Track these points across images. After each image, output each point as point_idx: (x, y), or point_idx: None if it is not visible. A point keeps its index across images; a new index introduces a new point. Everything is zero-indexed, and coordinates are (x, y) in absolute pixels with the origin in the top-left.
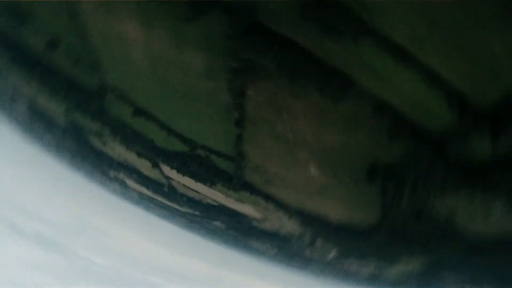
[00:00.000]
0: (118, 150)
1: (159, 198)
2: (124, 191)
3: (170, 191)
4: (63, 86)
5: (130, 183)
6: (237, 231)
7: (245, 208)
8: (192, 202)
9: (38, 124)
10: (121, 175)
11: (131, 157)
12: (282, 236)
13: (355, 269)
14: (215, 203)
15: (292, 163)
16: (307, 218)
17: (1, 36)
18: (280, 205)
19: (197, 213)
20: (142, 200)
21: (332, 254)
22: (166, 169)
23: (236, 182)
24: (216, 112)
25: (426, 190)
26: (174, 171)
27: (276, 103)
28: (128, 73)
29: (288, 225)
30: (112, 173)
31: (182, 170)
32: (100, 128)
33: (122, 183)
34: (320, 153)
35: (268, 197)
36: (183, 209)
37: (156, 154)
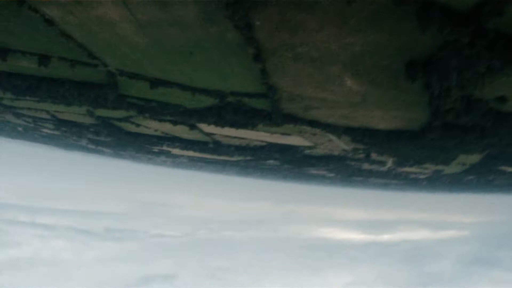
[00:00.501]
0: (152, 126)
1: (208, 156)
2: (173, 160)
3: (216, 146)
4: (73, 91)
5: (176, 151)
6: (292, 164)
7: (294, 140)
8: (240, 149)
9: (69, 134)
10: (165, 147)
11: (168, 128)
12: (337, 157)
13: (414, 175)
14: (263, 143)
15: (325, 81)
16: (356, 134)
17: None
18: (327, 127)
19: (248, 158)
20: (192, 163)
21: (389, 164)
22: (205, 127)
23: (276, 117)
24: (231, 54)
25: (473, 76)
26: (212, 126)
27: (289, 24)
28: (128, 53)
29: (340, 145)
30: (156, 148)
31: (220, 122)
32: (125, 113)
33: (168, 154)
34: (351, 62)
35: (312, 123)
36: (235, 158)
37: (189, 117)
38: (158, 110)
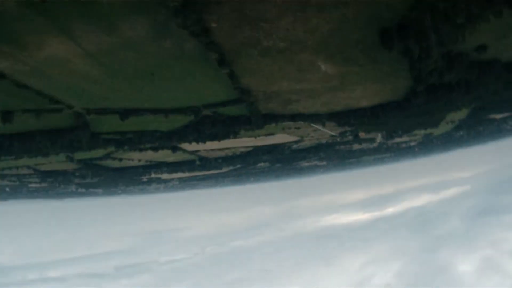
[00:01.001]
0: (135, 157)
1: (198, 173)
2: (165, 185)
3: (203, 162)
4: (46, 141)
5: (165, 176)
6: (282, 161)
7: (279, 138)
8: (228, 160)
9: (56, 183)
10: (153, 174)
11: (151, 155)
12: (326, 145)
13: (405, 145)
14: (250, 149)
15: (299, 72)
16: (340, 117)
17: None
18: (309, 117)
19: (238, 166)
20: (185, 183)
21: (379, 139)
22: (187, 146)
23: (256, 120)
24: (194, 65)
25: (452, 29)
26: (194, 144)
27: (248, 18)
28: (89, 88)
29: (326, 133)
30: (144, 177)
31: (201, 138)
32: (104, 151)
33: (159, 180)
34: (321, 44)
35: (294, 117)
36: (224, 170)
37: (168, 139)
38: (136, 140)
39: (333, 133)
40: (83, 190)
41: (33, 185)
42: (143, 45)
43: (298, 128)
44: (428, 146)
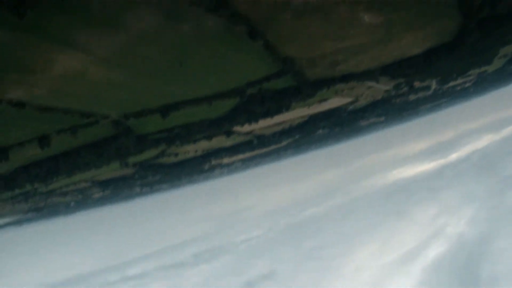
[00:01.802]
0: (190, 149)
1: (257, 152)
2: (228, 168)
3: (260, 141)
4: (91, 155)
5: (225, 160)
6: (341, 124)
7: (333, 102)
8: (285, 133)
9: (119, 189)
10: (213, 161)
11: (205, 144)
12: (382, 101)
13: (460, 87)
14: (305, 118)
15: (341, 28)
16: (394, 70)
17: None
18: (361, 76)
19: (297, 137)
20: (247, 162)
21: (434, 85)
22: (240, 129)
23: (306, 89)
24: (222, 43)
25: None
26: (247, 125)
27: None
28: (116, 94)
29: (381, 88)
30: (205, 166)
31: (252, 118)
32: (156, 150)
33: (221, 165)
34: None
35: (345, 78)
36: (284, 143)
37: (219, 126)
38: (185, 134)
39: (387, 87)
40: (148, 189)
41: (96, 195)
42: (159, 35)
43: (352, 88)
44: (483, 84)
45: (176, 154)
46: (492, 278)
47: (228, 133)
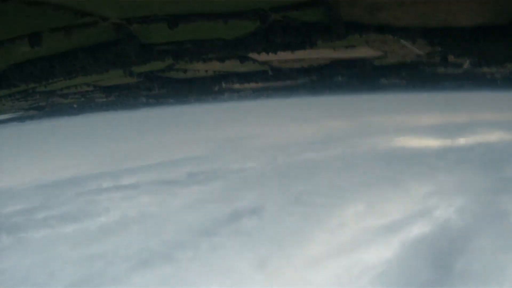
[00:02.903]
0: (200, 67)
1: (271, 84)
2: (238, 94)
3: (276, 73)
4: (88, 59)
5: (237, 86)
6: (361, 77)
7: (361, 52)
8: (303, 72)
9: (123, 97)
10: (223, 85)
11: (217, 65)
12: (410, 64)
13: (490, 75)
14: (327, 61)
15: None
16: (434, 36)
17: None
18: (399, 31)
19: (314, 78)
20: (258, 93)
21: (466, 65)
22: (256, 57)
23: (337, 28)
24: None
25: None
26: (264, 54)
27: None
28: None
29: (413, 51)
30: (215, 87)
31: (271, 48)
32: (162, 64)
33: (231, 89)
34: None
35: (381, 29)
36: (300, 81)
37: (233, 49)
38: (195, 51)
39: (420, 52)
40: (154, 100)
41: (100, 99)
42: None
43: (384, 42)
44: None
45: (185, 71)
46: (464, 273)
47: (243, 59)
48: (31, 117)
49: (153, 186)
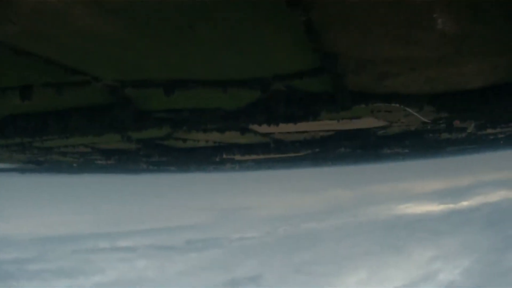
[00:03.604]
0: (201, 138)
1: (273, 155)
2: (240, 165)
3: (278, 145)
4: (82, 120)
5: (238, 157)
6: (364, 148)
7: (365, 122)
8: (305, 144)
9: (123, 162)
10: (224, 155)
11: (217, 136)
12: (414, 132)
13: (493, 136)
14: (331, 133)
15: (408, 27)
16: (443, 101)
17: None
18: (407, 99)
19: (317, 150)
20: (260, 164)
21: (470, 129)
22: (257, 128)
23: (343, 98)
24: (252, 13)
25: None
26: (265, 126)
27: None
28: (115, 54)
29: (419, 118)
30: (216, 158)
31: (272, 119)
32: (159, 131)
33: (232, 160)
34: None
35: (389, 97)
36: (302, 153)
37: (234, 120)
38: (194, 120)
39: (426, 120)
40: (155, 168)
41: (99, 161)
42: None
43: (389, 111)
44: None
45: (185, 140)
46: None
47: (243, 130)
48: (31, 170)
49: (151, 250)
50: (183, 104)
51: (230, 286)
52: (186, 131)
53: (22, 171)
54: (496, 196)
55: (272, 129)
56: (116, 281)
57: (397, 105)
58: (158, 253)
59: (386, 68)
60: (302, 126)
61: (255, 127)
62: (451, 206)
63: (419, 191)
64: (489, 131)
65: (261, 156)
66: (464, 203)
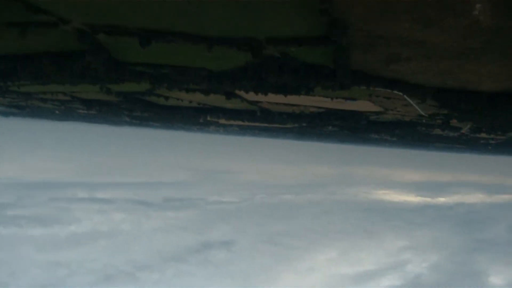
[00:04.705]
0: (184, 97)
1: (259, 124)
2: (225, 128)
3: (265, 115)
4: (52, 66)
5: (223, 121)
6: (353, 130)
7: (360, 105)
8: (293, 117)
9: (104, 113)
10: (209, 118)
11: (201, 98)
12: (407, 123)
13: (484, 141)
14: (321, 110)
15: (437, 7)
16: (449, 98)
17: None
18: (412, 89)
19: (304, 124)
20: (245, 131)
21: (465, 130)
22: (244, 95)
23: (343, 76)
24: None
25: None
26: (252, 94)
27: None
28: None
29: (417, 111)
30: (200, 119)
31: (261, 88)
32: (138, 86)
33: (217, 124)
34: None
35: (394, 84)
36: (288, 125)
37: (218, 83)
38: (175, 78)
39: (423, 113)
40: (137, 121)
41: (81, 111)
42: None
43: (388, 98)
44: (504, 147)
45: (167, 98)
46: None
47: (229, 95)
48: (14, 114)
49: (128, 204)
50: (163, 59)
51: (203, 248)
52: (167, 89)
53: (5, 114)
54: (473, 198)
55: (260, 97)
56: (91, 231)
57: (400, 93)
58: (135, 208)
59: (398, 49)
60: (293, 99)
61: (241, 93)
62: (428, 200)
63: (399, 179)
64: (483, 135)
65: (247, 123)
66: (441, 199)
